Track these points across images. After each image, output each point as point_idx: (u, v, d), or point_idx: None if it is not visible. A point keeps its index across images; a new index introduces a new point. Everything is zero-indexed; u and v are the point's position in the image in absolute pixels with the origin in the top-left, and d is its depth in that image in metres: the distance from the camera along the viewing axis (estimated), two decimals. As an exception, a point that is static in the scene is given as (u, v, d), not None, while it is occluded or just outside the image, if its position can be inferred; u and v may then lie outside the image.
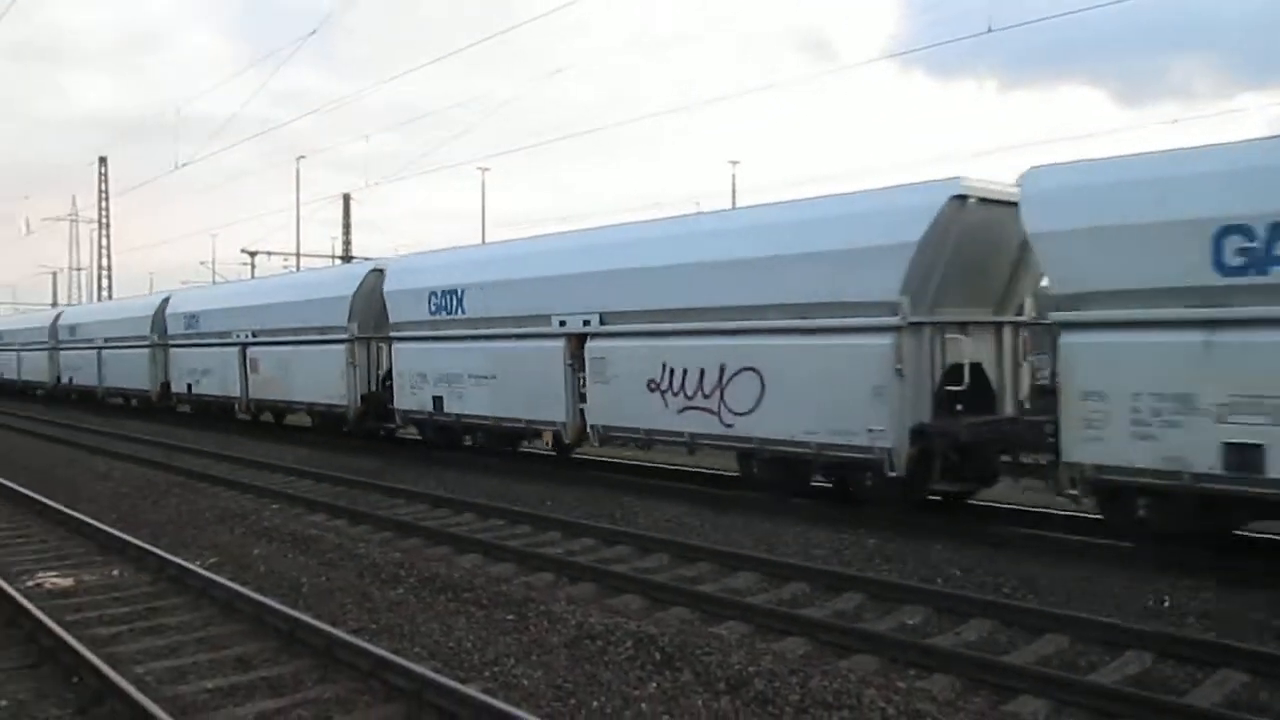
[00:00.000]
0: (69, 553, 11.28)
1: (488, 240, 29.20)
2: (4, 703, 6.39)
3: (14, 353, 41.67)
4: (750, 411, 12.63)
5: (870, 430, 11.31)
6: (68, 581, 9.88)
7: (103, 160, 63.41)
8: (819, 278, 11.83)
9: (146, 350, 29.27)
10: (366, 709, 6.32)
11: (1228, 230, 8.67)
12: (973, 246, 11.27)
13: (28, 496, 14.51)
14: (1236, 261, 8.68)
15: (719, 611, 8.45)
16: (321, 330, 21.29)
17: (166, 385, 28.68)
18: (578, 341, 15.17)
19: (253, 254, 53.73)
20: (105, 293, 61.78)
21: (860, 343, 11.49)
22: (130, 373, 30.64)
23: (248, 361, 24.21)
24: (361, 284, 20.50)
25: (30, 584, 9.66)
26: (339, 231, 61.59)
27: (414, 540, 11.70)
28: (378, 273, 20.53)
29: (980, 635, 7.81)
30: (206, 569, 9.82)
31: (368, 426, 20.93)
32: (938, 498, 12.21)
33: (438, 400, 17.89)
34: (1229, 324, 8.85)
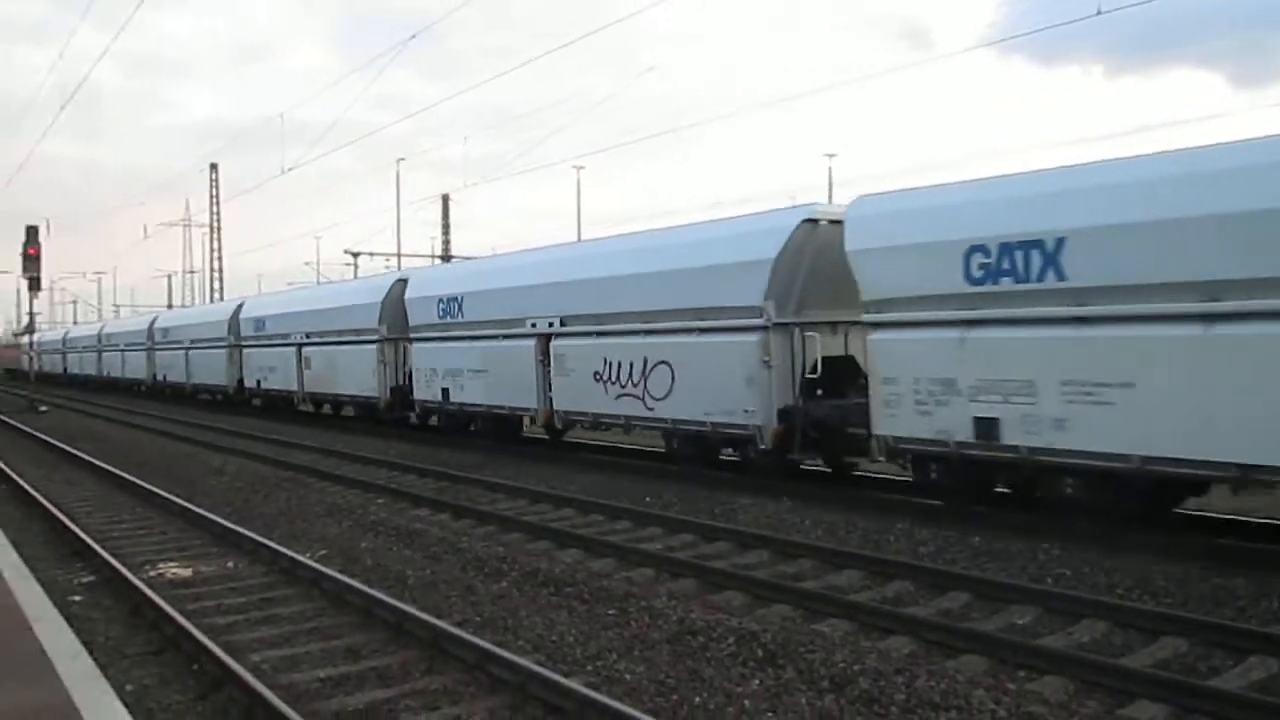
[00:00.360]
0: (187, 544, 11.72)
1: (583, 239, 29.80)
2: (130, 688, 6.65)
3: (119, 353, 46.29)
4: (666, 397, 15.26)
5: (746, 411, 13.91)
6: (187, 572, 10.27)
7: (214, 166, 65.68)
8: (708, 287, 14.55)
9: (224, 350, 32.67)
10: (472, 700, 6.41)
11: (973, 249, 11.00)
12: (829, 260, 13.15)
13: (150, 490, 15.13)
14: (979, 274, 11.01)
15: (821, 609, 8.35)
16: (358, 332, 24.32)
17: (241, 381, 31.83)
18: (545, 341, 17.86)
19: (355, 255, 55.10)
20: (218, 294, 63.97)
21: (736, 340, 14.09)
22: (212, 370, 34.21)
23: (303, 359, 27.16)
24: (389, 292, 23.41)
25: (152, 574, 10.08)
26: (438, 232, 62.70)
27: (516, 535, 11.85)
28: (402, 282, 23.32)
29: (1093, 637, 7.57)
30: (317, 561, 10.10)
31: (396, 415, 23.40)
32: (808, 467, 14.55)
33: (445, 391, 20.83)
34: (976, 323, 11.13)
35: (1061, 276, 10.31)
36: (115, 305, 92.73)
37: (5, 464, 18.55)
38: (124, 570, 9.65)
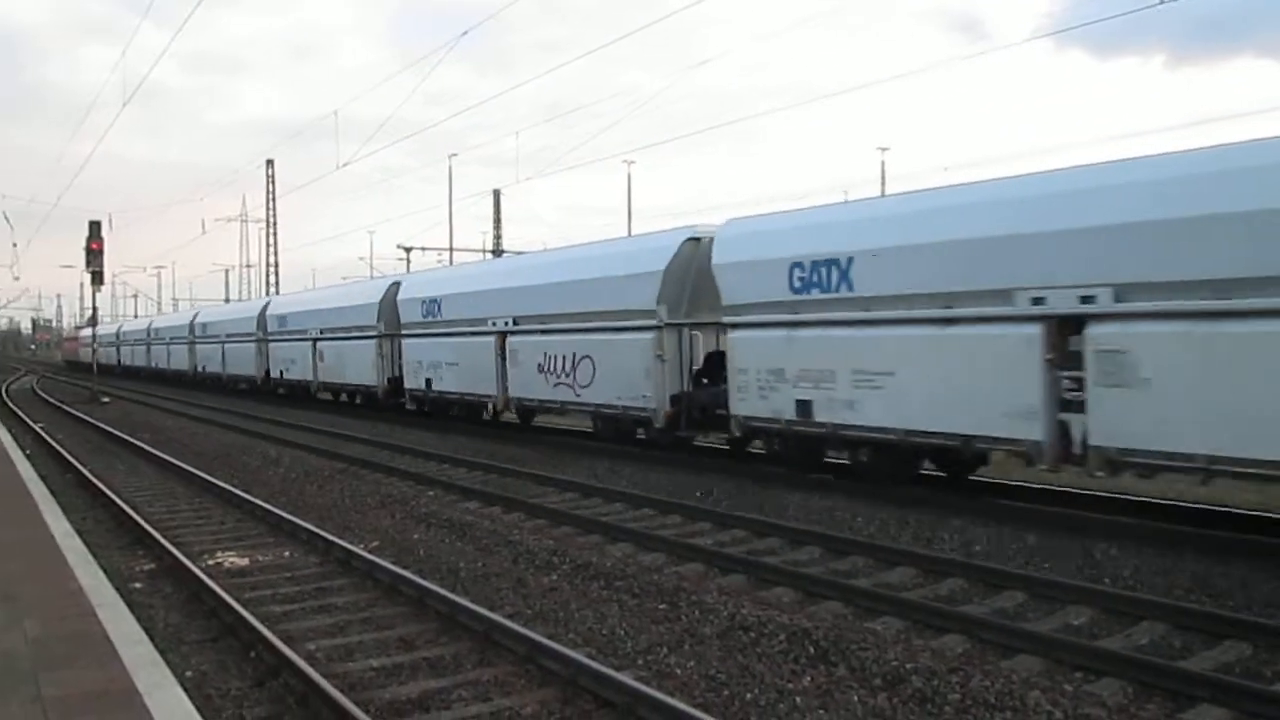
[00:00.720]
0: (244, 534, 11.92)
1: (633, 234, 30.60)
2: (189, 673, 6.78)
3: (165, 346, 50.12)
4: (589, 385, 18.00)
5: (645, 396, 16.62)
6: (244, 561, 10.44)
7: (270, 163, 66.88)
8: (618, 293, 17.26)
9: (254, 344, 36.13)
10: (524, 692, 6.45)
11: (794, 265, 13.54)
12: (710, 272, 15.49)
13: (208, 480, 15.42)
14: (799, 285, 13.57)
15: (874, 606, 8.29)
16: (361, 329, 27.40)
17: (268, 372, 34.93)
18: (502, 338, 20.76)
19: (408, 249, 55.65)
20: (274, 288, 64.96)
21: (637, 337, 16.80)
22: (244, 362, 37.65)
23: (317, 353, 30.49)
24: (385, 293, 26.57)
25: (211, 563, 10.25)
26: (490, 226, 63.15)
27: (566, 528, 11.89)
28: (396, 285, 26.67)
29: (1152, 638, 7.43)
30: (370, 552, 10.22)
31: (392, 402, 26.24)
32: (697, 442, 17.56)
33: (429, 381, 23.81)
34: (797, 325, 13.73)
35: (851, 288, 12.94)
36: (174, 299, 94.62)
37: (71, 454, 19.00)
38: (183, 558, 9.84)
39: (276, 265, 67.50)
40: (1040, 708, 5.95)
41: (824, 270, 13.19)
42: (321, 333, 30.16)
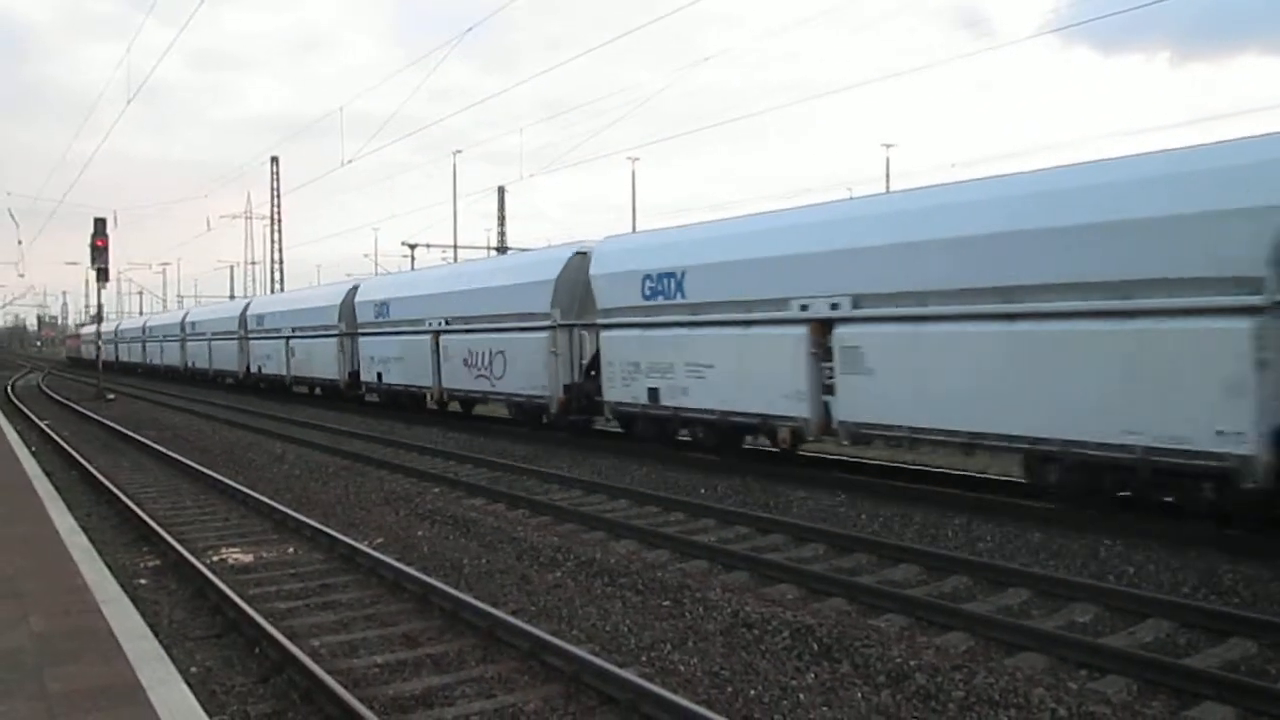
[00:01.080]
0: (248, 530, 11.93)
1: (638, 229, 31.40)
2: (194, 669, 6.79)
3: (159, 343, 53.05)
4: (503, 377, 20.78)
5: (543, 386, 19.29)
6: (248, 557, 10.46)
7: (274, 160, 66.84)
8: (522, 299, 20.07)
9: (236, 341, 39.02)
10: (527, 689, 6.45)
11: (645, 277, 16.38)
12: (582, 284, 18.57)
13: (212, 477, 15.44)
14: (649, 293, 16.34)
15: (877, 603, 8.28)
16: (325, 328, 30.42)
17: (248, 368, 38.03)
18: (436, 336, 23.47)
19: (413, 246, 55.65)
20: (279, 285, 65.01)
21: (536, 336, 19.57)
22: (228, 358, 40.49)
23: (289, 349, 33.40)
24: (345, 296, 29.57)
25: (215, 559, 10.27)
26: (494, 223, 63.14)
27: (570, 525, 11.90)
28: (354, 289, 29.65)
29: (1157, 636, 7.42)
30: (374, 549, 10.23)
31: (352, 394, 29.05)
32: (592, 423, 20.06)
33: (379, 375, 26.78)
34: (648, 325, 16.49)
35: (684, 296, 15.80)
36: (179, 296, 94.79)
37: (76, 450, 19.04)
38: (188, 554, 9.86)
39: (281, 262, 67.56)
40: (1044, 705, 5.94)
41: (666, 281, 16.15)
42: (294, 331, 33.12)
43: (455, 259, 52.38)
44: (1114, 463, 10.37)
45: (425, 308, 24.15)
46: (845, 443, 13.74)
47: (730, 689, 6.37)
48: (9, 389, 42.53)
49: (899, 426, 12.39)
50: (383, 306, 26.71)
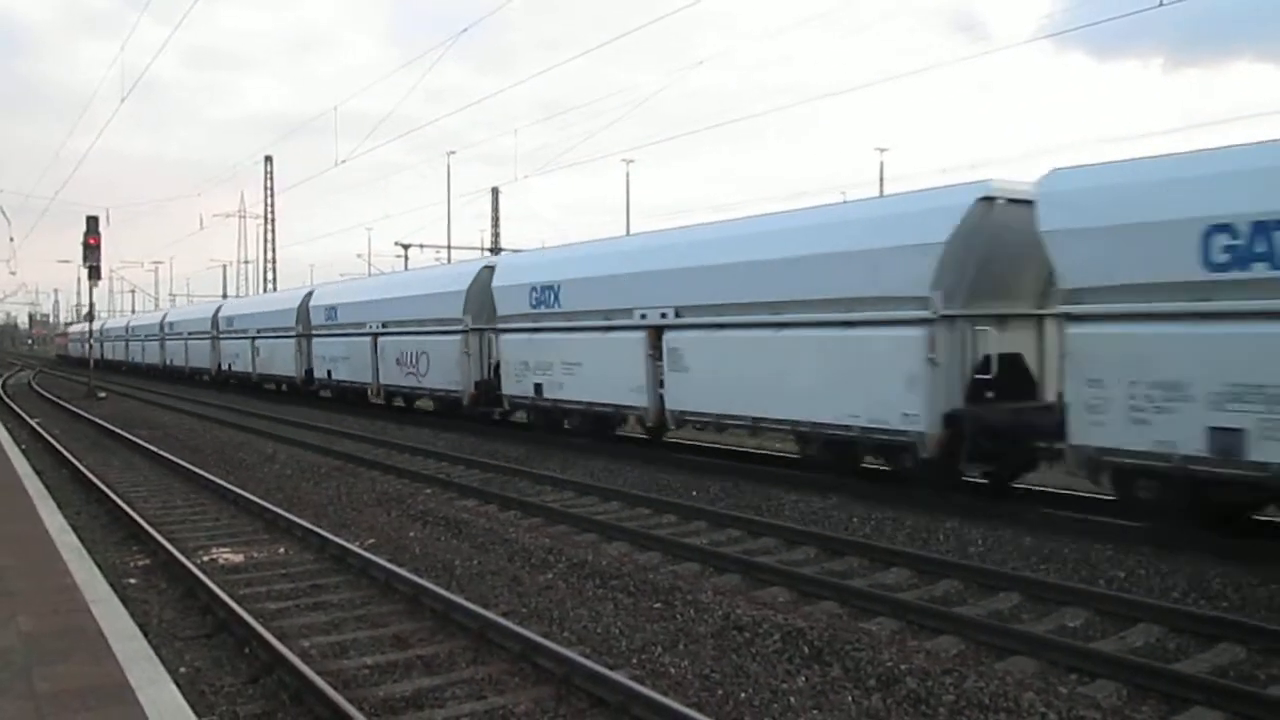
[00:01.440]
0: (239, 530, 11.90)
1: (632, 232, 32.36)
2: (183, 669, 6.77)
3: (141, 342, 55.85)
4: (427, 374, 23.69)
5: (457, 382, 22.32)
6: (239, 558, 10.43)
7: (268, 159, 66.82)
8: (441, 305, 23.11)
9: (209, 341, 41.53)
10: (518, 691, 6.44)
11: (533, 289, 19.42)
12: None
13: (203, 476, 15.39)
14: (535, 303, 19.24)
15: (869, 607, 8.29)
16: (284, 330, 33.10)
17: (219, 365, 40.76)
18: (375, 338, 26.36)
19: (406, 247, 55.62)
20: (271, 284, 64.92)
21: (451, 338, 22.49)
22: (202, 357, 42.92)
23: (255, 349, 36.10)
24: (301, 301, 32.11)
25: (205, 559, 10.24)
26: (489, 224, 63.09)
27: (562, 527, 11.89)
28: (309, 294, 32.35)
29: (1147, 641, 7.44)
30: (365, 550, 10.21)
31: (308, 390, 31.72)
32: (494, 415, 22.29)
33: (329, 372, 29.73)
34: (535, 330, 19.39)
35: (560, 305, 18.69)
36: (171, 295, 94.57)
37: (66, 449, 18.97)
38: (178, 554, 9.83)
39: (274, 261, 67.52)
40: (1035, 709, 5.95)
41: (547, 293, 19.03)
42: (258, 332, 35.90)
43: (449, 259, 52.37)
44: (847, 439, 13.18)
45: (366, 313, 27.20)
46: (673, 427, 17.00)
47: (721, 691, 6.37)
48: (0, 387, 42.34)
49: (709, 414, 15.58)
50: (332, 311, 29.57)
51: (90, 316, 45.76)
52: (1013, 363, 12.30)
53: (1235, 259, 9.25)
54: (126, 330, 60.86)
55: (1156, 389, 9.78)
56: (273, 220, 67.38)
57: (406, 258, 55.21)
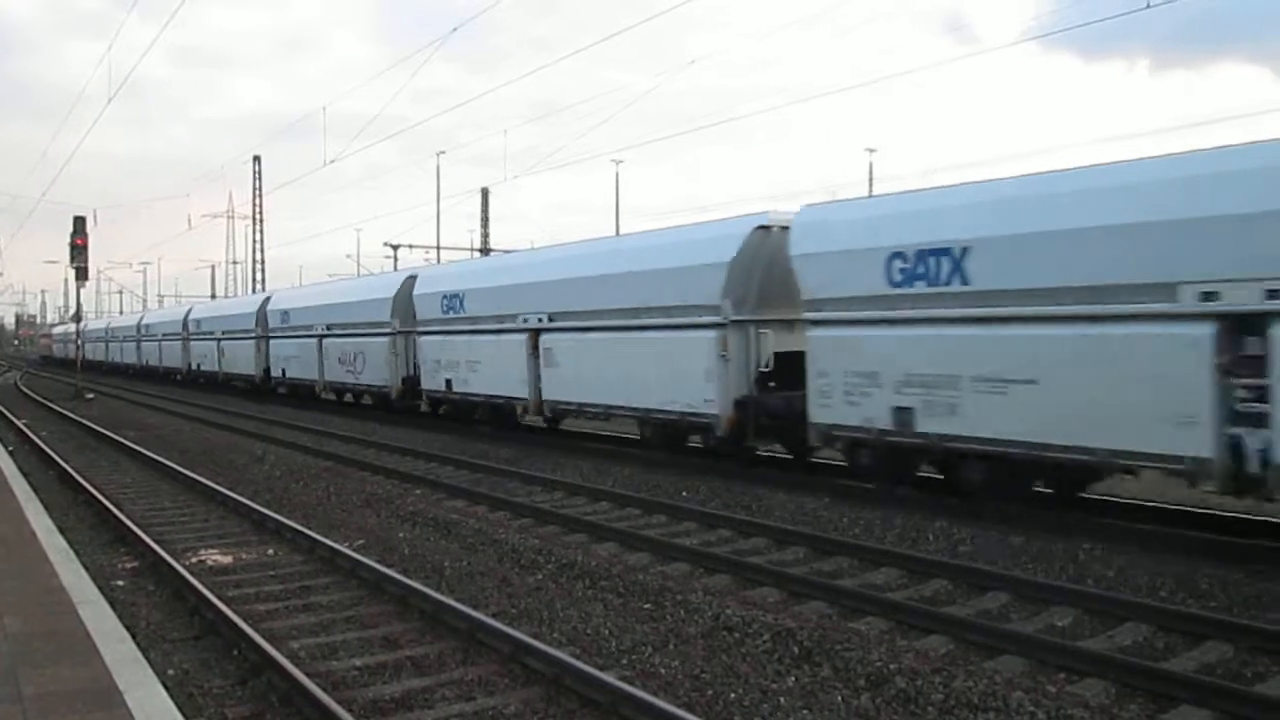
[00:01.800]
0: (228, 532, 11.86)
1: (621, 232, 32.64)
2: (172, 671, 6.74)
3: (119, 343, 59.30)
4: (363, 372, 26.75)
5: (387, 378, 25.42)
6: (228, 559, 10.40)
7: (256, 159, 66.44)
8: (371, 311, 26.22)
9: (180, 342, 43.92)
10: (507, 691, 6.44)
11: (444, 296, 22.32)
12: (410, 300, 24.23)
13: (191, 477, 15.34)
14: (445, 309, 22.19)
15: (858, 607, 8.30)
16: (245, 332, 35.78)
17: (189, 365, 43.38)
18: (320, 340, 29.27)
19: (395, 247, 55.45)
20: (260, 285, 64.67)
21: (381, 340, 25.65)
22: (175, 357, 45.46)
23: (220, 349, 38.69)
24: (260, 305, 34.92)
25: (194, 560, 10.20)
26: (478, 225, 62.96)
27: (551, 527, 11.88)
28: (268, 299, 35.45)
29: (1135, 640, 7.46)
30: (355, 551, 10.18)
31: (266, 387, 34.13)
32: (420, 408, 24.62)
33: (284, 370, 32.43)
34: (446, 333, 22.35)
35: (465, 311, 21.54)
36: (159, 295, 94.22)
37: (54, 450, 18.88)
38: (166, 556, 9.79)
39: (263, 262, 67.19)
40: (1023, 708, 5.97)
41: (455, 301, 21.87)
42: (223, 334, 38.59)
43: (439, 260, 52.29)
44: (672, 421, 16.17)
45: (313, 316, 30.03)
46: (549, 415, 20.05)
47: (711, 692, 6.37)
48: (-14, 388, 42.11)
49: (574, 403, 18.48)
50: (286, 315, 32.42)
51: (78, 318, 45.56)
52: (791, 359, 14.36)
53: (906, 278, 12.12)
54: (106, 332, 63.77)
55: (862, 378, 12.69)
56: (261, 221, 67.07)
57: (396, 258, 55.09)
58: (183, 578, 8.94)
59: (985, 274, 11.30)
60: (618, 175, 77.00)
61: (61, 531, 10.48)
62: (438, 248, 56.27)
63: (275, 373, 32.94)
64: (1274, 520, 10.59)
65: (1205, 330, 9.47)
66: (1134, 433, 10.01)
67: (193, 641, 7.59)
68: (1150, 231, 9.84)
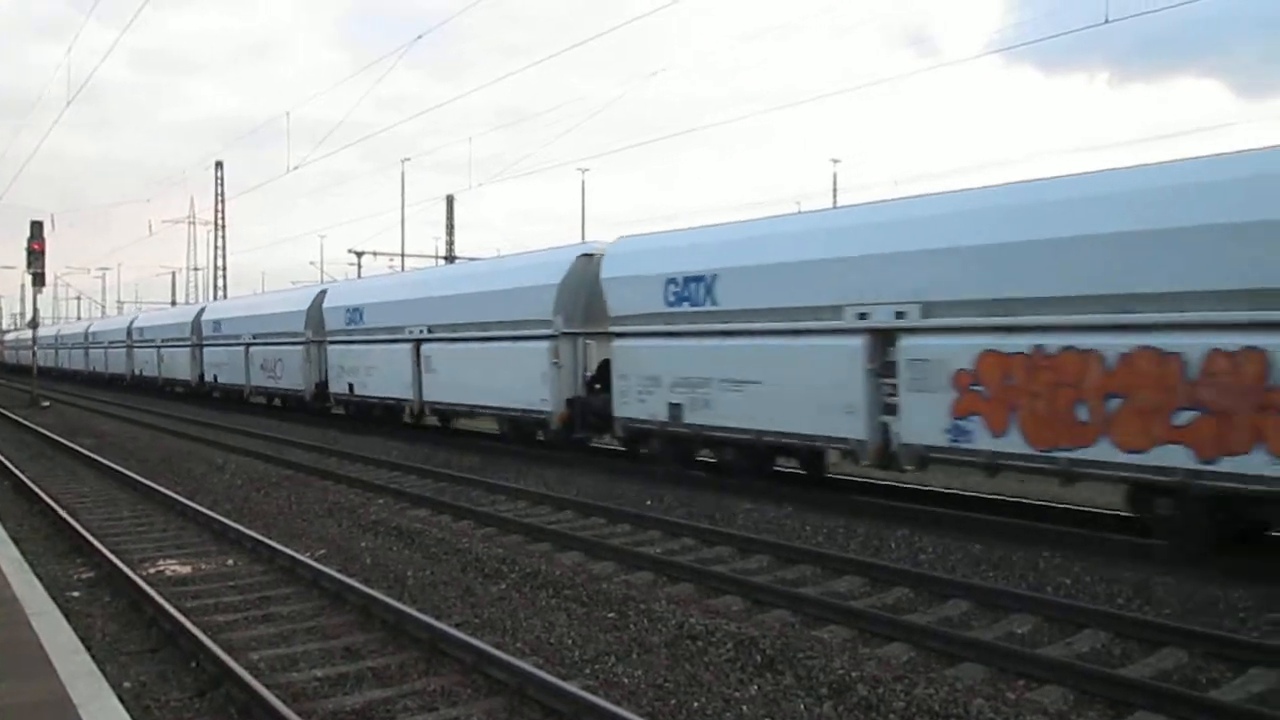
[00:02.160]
0: (187, 542, 11.72)
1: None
2: (128, 684, 6.64)
3: (68, 350, 61.78)
4: (282, 377, 29.35)
5: (301, 383, 28.04)
6: (186, 569, 10.26)
7: (219, 164, 65.92)
8: (288, 322, 29.05)
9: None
10: (470, 702, 6.41)
11: (349, 310, 25.61)
12: (321, 313, 27.38)
13: (150, 486, 15.13)
14: (348, 322, 25.59)
15: (821, 615, 8.34)
16: (181, 340, 38.56)
17: (133, 371, 45.63)
18: (247, 347, 31.69)
19: (359, 254, 55.10)
20: (221, 292, 64.03)
21: (294, 349, 28.49)
22: (120, 363, 47.88)
23: (160, 355, 41.54)
24: (195, 316, 38.00)
25: (151, 571, 10.06)
26: (443, 232, 62.71)
27: (515, 537, 11.84)
28: (202, 309, 39.08)
29: (1093, 646, 7.56)
30: (316, 560, 10.09)
31: (202, 391, 36.51)
32: (332, 408, 27.37)
33: (215, 376, 35.01)
34: (349, 342, 25.48)
35: (364, 323, 24.47)
36: (119, 301, 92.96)
37: (7, 459, 18.55)
38: (123, 566, 9.64)
39: (224, 268, 66.60)
40: (983, 715, 6.02)
41: (356, 314, 24.97)
42: (163, 342, 41.40)
43: (403, 268, 52.07)
44: (520, 418, 19.03)
45: (241, 326, 32.75)
46: (430, 415, 23.30)
47: (674, 701, 6.37)
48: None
49: (447, 403, 21.75)
50: (218, 324, 35.20)
51: (34, 324, 44.85)
52: (609, 366, 16.96)
53: (677, 299, 15.12)
54: (56, 339, 66.01)
55: (648, 380, 15.66)
56: (223, 227, 66.52)
57: (360, 265, 54.74)
58: (140, 588, 8.81)
59: (727, 296, 14.37)
60: (583, 184, 77.04)
61: (16, 542, 10.31)
62: (402, 255, 56.06)
63: (209, 378, 35.73)
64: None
65: (859, 342, 12.44)
66: (822, 421, 12.96)
67: (150, 654, 7.48)
68: (829, 266, 12.88)
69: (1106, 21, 14.46)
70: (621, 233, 18.33)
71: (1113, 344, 9.98)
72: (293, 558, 10.11)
